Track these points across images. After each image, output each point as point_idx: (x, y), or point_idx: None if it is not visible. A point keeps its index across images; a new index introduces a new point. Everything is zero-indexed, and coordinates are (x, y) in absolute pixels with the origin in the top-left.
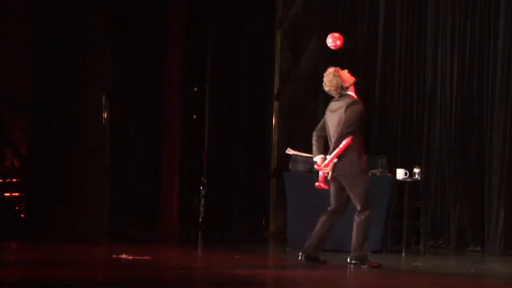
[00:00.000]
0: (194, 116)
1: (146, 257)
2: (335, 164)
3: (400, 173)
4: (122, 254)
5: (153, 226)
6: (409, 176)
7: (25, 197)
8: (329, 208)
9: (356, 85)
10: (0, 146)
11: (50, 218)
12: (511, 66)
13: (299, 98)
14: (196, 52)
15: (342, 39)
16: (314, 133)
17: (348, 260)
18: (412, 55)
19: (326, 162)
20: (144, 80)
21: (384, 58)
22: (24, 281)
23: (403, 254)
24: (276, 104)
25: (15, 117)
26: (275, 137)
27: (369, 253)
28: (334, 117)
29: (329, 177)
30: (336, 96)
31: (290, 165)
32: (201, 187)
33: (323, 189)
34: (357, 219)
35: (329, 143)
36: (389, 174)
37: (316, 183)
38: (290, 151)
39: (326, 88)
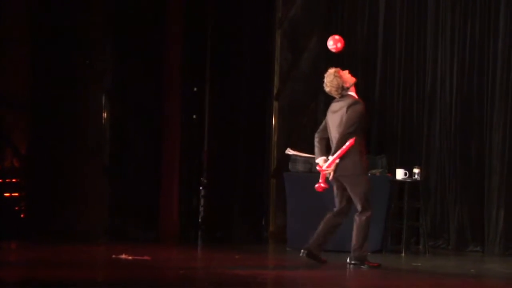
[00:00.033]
0: (194, 116)
1: (146, 257)
2: (337, 165)
3: (400, 173)
4: (122, 254)
5: (153, 226)
6: (409, 176)
7: (25, 197)
8: (334, 209)
9: (356, 85)
10: (0, 146)
11: (50, 218)
12: (511, 66)
13: (299, 98)
14: (196, 52)
15: (343, 41)
16: (316, 135)
17: (348, 260)
18: (412, 55)
19: (328, 162)
20: (144, 80)
21: (384, 58)
22: (24, 281)
23: (403, 254)
24: (276, 104)
25: (15, 117)
26: (275, 137)
27: (369, 253)
28: (335, 118)
29: (330, 177)
30: (337, 96)
31: (290, 165)
32: (201, 187)
33: (323, 190)
34: (357, 220)
35: (331, 144)
36: (389, 174)
37: (316, 185)
38: (290, 151)
39: (327, 89)
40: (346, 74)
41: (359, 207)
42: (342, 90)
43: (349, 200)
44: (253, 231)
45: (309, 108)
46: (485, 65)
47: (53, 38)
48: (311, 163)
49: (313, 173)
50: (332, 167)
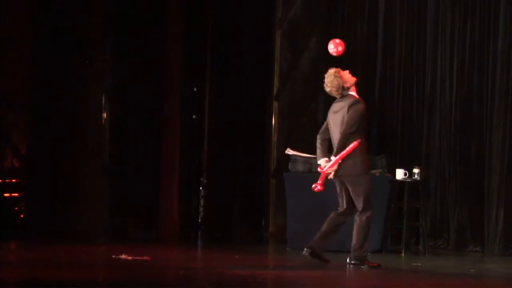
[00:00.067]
0: (194, 116)
1: (145, 257)
2: (339, 165)
3: (400, 173)
4: (121, 254)
5: (152, 226)
6: (408, 176)
7: (25, 197)
8: (338, 209)
9: (356, 85)
10: (0, 146)
11: (50, 218)
12: (510, 66)
13: (299, 98)
14: (196, 52)
15: (343, 45)
16: (318, 136)
17: (348, 260)
18: (411, 55)
19: (331, 163)
20: (144, 80)
21: (384, 58)
22: (24, 281)
23: (403, 254)
24: (275, 104)
25: (15, 117)
26: (274, 137)
27: (368, 254)
28: (337, 118)
29: (330, 176)
30: (337, 96)
31: (290, 166)
32: (200, 187)
33: (319, 191)
34: (357, 220)
35: (333, 145)
36: (389, 175)
37: (313, 185)
38: (289, 152)
39: (327, 89)
40: (346, 74)
41: (359, 207)
42: (343, 90)
43: (353, 200)
44: (253, 231)
45: (309, 108)
46: (485, 65)
47: (53, 38)
48: (311, 163)
49: (313, 173)
50: (335, 167)
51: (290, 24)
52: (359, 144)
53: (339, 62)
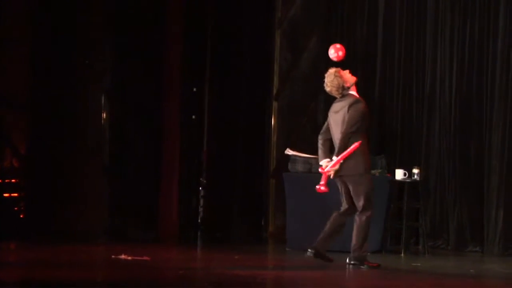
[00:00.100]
0: (194, 116)
1: (145, 258)
2: (340, 165)
3: (399, 174)
4: (121, 254)
5: (152, 226)
6: (408, 177)
7: (25, 197)
8: (341, 208)
9: (356, 85)
10: (0, 146)
11: (49, 218)
12: (510, 66)
13: (299, 98)
14: (196, 52)
15: (344, 50)
16: (320, 137)
17: (348, 260)
18: (411, 55)
19: (332, 163)
20: (143, 80)
21: (384, 58)
22: (24, 281)
23: (402, 254)
24: (275, 104)
25: (15, 117)
26: (274, 138)
27: (368, 254)
28: (337, 118)
29: (331, 176)
30: (338, 96)
31: (289, 166)
32: (200, 188)
33: (323, 193)
34: (357, 220)
35: (334, 145)
36: (388, 175)
37: (317, 186)
38: (289, 152)
39: (328, 89)
40: (346, 73)
41: (359, 207)
42: (343, 90)
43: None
44: (252, 231)
45: (308, 108)
46: (484, 65)
47: (53, 38)
48: (311, 163)
49: (313, 174)
50: (336, 167)
51: (290, 24)
52: (361, 144)
53: (338, 62)
